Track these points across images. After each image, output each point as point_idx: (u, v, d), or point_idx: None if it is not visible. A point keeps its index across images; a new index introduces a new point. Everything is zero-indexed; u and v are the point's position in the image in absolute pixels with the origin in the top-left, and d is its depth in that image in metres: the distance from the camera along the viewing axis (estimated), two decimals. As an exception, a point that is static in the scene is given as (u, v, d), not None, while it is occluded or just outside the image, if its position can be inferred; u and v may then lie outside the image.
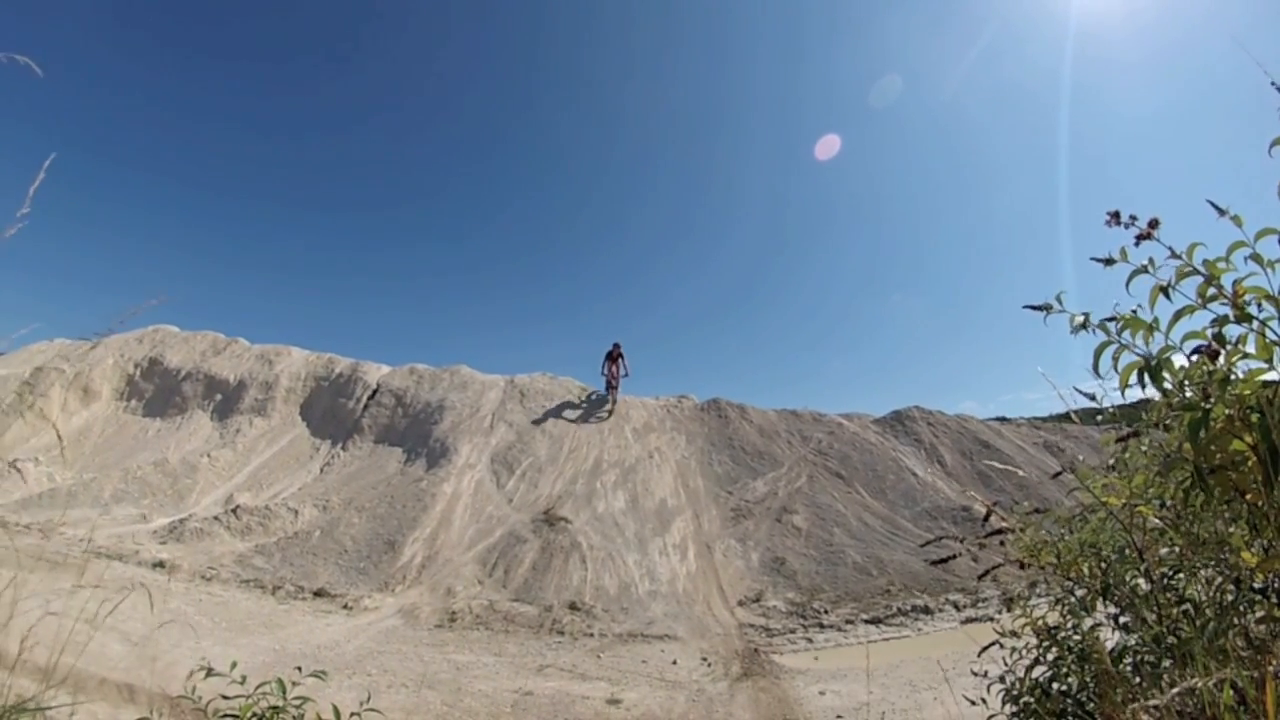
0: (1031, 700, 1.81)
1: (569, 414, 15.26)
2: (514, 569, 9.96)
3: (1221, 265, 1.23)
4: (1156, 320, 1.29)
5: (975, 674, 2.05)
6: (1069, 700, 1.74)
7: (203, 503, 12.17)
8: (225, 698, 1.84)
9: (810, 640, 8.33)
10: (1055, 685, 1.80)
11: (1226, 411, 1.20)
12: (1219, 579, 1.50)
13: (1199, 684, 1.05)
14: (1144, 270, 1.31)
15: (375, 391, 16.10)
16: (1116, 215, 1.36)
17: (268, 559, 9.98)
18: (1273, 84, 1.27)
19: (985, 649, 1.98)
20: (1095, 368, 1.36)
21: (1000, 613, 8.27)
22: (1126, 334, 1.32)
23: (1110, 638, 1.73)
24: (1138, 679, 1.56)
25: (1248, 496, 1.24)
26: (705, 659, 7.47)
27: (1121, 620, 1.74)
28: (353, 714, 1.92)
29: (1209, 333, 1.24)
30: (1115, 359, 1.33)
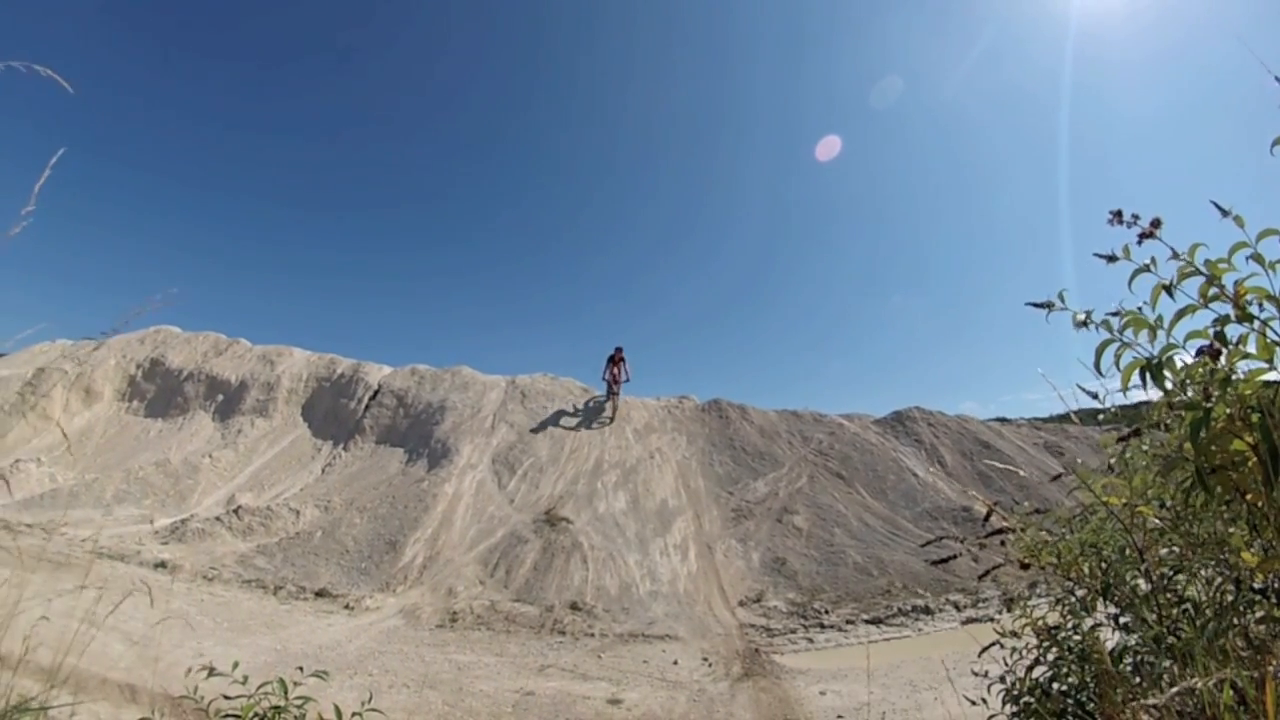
0: (1032, 700, 1.81)
1: (570, 415, 15.27)
2: (515, 569, 9.96)
3: (1223, 265, 1.23)
4: (1160, 318, 1.29)
5: (976, 674, 2.05)
6: (1069, 700, 1.74)
7: (204, 503, 12.18)
8: (227, 698, 1.84)
9: (811, 640, 8.33)
10: (1055, 685, 1.79)
11: (1227, 411, 1.20)
12: (1219, 579, 1.50)
13: (1199, 684, 1.05)
14: (1146, 269, 1.31)
15: (377, 392, 16.11)
16: (1119, 214, 1.36)
17: (269, 559, 9.99)
18: (1276, 78, 1.27)
19: (986, 649, 1.98)
20: (1097, 365, 1.36)
21: (1001, 613, 8.26)
22: (1129, 332, 1.32)
23: (1110, 638, 1.73)
24: (1138, 679, 1.56)
25: (1248, 497, 1.24)
26: (706, 659, 7.47)
27: (1121, 620, 1.74)
28: (354, 714, 1.92)
29: (1210, 332, 1.24)
30: (1117, 357, 1.33)
